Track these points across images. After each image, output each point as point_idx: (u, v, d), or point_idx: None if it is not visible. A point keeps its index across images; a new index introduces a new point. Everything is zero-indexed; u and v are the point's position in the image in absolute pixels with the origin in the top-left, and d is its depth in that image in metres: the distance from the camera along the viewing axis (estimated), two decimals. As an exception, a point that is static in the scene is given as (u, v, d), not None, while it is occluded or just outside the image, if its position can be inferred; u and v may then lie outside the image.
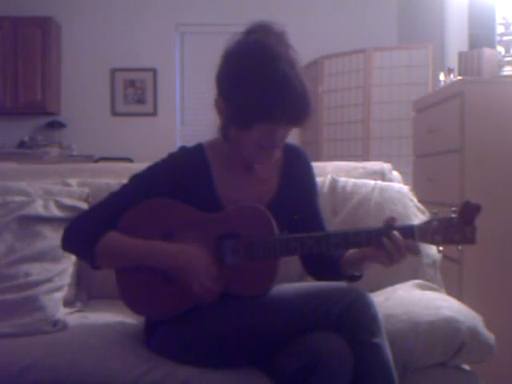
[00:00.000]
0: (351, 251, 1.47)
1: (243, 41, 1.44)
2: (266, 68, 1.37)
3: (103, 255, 1.46)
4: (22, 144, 5.83)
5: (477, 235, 1.35)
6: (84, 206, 1.92)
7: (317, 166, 1.99)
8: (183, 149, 1.58)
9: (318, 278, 1.59)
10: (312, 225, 1.58)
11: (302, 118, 1.41)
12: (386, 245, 1.36)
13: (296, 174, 1.60)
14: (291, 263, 1.71)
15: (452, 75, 2.89)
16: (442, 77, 3.00)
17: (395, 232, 1.36)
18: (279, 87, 1.36)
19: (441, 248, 1.40)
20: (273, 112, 1.37)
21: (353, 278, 1.50)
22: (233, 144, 1.49)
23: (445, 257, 2.24)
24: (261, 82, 1.36)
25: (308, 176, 1.64)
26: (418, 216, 1.93)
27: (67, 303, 1.78)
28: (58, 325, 1.59)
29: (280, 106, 1.37)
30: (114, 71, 6.06)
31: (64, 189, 1.98)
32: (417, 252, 1.38)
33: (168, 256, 1.43)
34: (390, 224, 1.39)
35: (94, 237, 1.45)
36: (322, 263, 1.55)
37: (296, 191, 1.59)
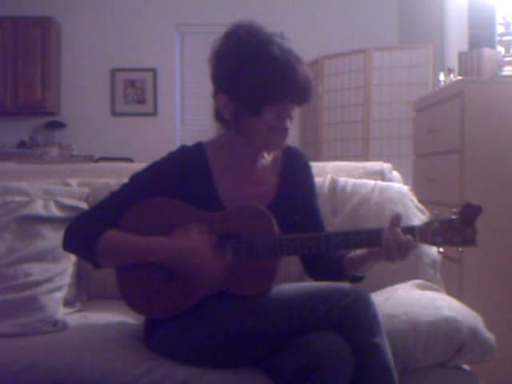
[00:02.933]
0: (356, 250, 1.48)
1: (232, 38, 1.47)
2: (263, 53, 1.42)
3: (104, 254, 1.46)
4: (22, 144, 5.83)
5: (477, 237, 1.35)
6: (84, 206, 1.92)
7: (317, 166, 1.99)
8: (183, 148, 1.58)
9: (319, 278, 1.59)
10: (311, 225, 1.58)
11: (306, 94, 1.47)
12: (386, 239, 1.36)
13: (296, 174, 1.61)
14: (291, 263, 1.71)
15: (452, 75, 2.89)
16: (441, 77, 3.00)
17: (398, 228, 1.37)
18: (280, 67, 1.41)
19: (441, 249, 1.40)
20: (278, 91, 1.42)
21: (355, 279, 1.50)
22: (247, 135, 1.50)
23: (445, 257, 2.24)
24: (261, 67, 1.41)
25: (307, 177, 1.65)
26: (418, 216, 1.93)
27: (67, 303, 1.78)
28: (57, 325, 1.59)
29: (284, 85, 1.41)
30: (114, 71, 6.05)
31: (64, 189, 1.98)
32: (413, 246, 1.38)
33: (169, 250, 1.43)
34: (395, 222, 1.39)
35: (94, 236, 1.45)
36: (323, 264, 1.56)
37: (296, 192, 1.59)
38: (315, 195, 1.66)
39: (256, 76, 1.41)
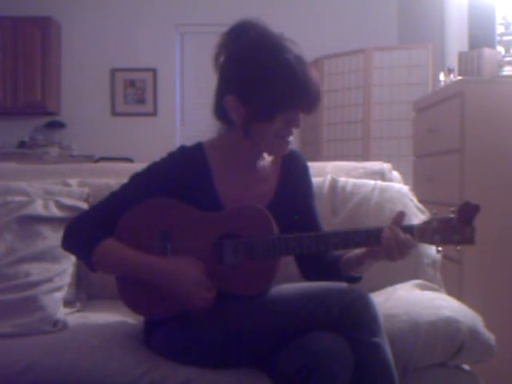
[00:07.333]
0: (354, 250, 1.48)
1: (246, 40, 1.46)
2: (281, 61, 1.42)
3: (99, 263, 1.47)
4: (22, 144, 5.83)
5: (476, 236, 1.35)
6: (84, 206, 1.92)
7: (317, 166, 2.00)
8: (182, 148, 1.57)
9: (315, 280, 1.58)
10: (308, 226, 1.58)
11: (317, 103, 1.47)
12: (386, 238, 1.36)
13: (294, 175, 1.61)
14: (291, 263, 1.71)
15: (452, 75, 2.89)
16: (441, 77, 3.00)
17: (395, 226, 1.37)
18: (296, 77, 1.41)
19: (440, 248, 1.40)
20: (293, 101, 1.42)
21: (352, 280, 1.49)
22: (254, 139, 1.49)
23: (445, 257, 2.24)
24: (279, 76, 1.41)
25: (305, 177, 1.65)
26: (418, 216, 1.93)
27: (67, 303, 1.78)
28: (58, 325, 1.59)
29: (300, 95, 1.42)
30: (113, 71, 6.05)
31: (64, 189, 1.98)
32: (412, 245, 1.38)
33: (154, 271, 1.44)
34: (399, 220, 1.39)
35: (92, 242, 1.46)
36: (319, 266, 1.56)
37: (294, 192, 1.60)
38: (312, 196, 1.66)
39: (273, 85, 1.41)
